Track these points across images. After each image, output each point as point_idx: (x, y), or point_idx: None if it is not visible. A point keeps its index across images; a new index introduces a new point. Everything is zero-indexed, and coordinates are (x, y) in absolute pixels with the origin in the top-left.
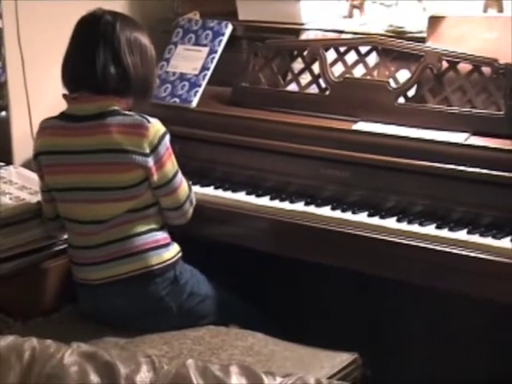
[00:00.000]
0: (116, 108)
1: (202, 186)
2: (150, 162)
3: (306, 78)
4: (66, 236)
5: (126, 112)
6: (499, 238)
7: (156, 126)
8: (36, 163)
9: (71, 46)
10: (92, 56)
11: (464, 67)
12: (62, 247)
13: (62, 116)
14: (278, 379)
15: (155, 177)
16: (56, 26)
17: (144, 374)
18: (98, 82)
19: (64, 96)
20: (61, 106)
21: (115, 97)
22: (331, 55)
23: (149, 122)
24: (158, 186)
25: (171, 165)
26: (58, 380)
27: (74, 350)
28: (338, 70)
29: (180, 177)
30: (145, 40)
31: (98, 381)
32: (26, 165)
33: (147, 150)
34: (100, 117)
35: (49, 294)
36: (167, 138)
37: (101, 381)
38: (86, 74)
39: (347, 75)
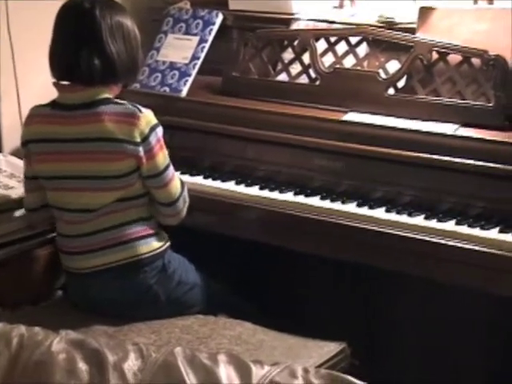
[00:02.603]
0: (108, 96)
1: (192, 175)
2: (141, 151)
3: (296, 68)
4: (49, 227)
5: (118, 101)
6: (487, 229)
7: (148, 117)
8: (25, 150)
9: (54, 38)
10: (75, 49)
11: (454, 58)
12: (51, 235)
13: (53, 104)
14: (266, 368)
15: (145, 167)
16: (46, 14)
17: (132, 362)
18: (83, 75)
19: (55, 84)
20: (50, 94)
21: (104, 85)
22: (321, 45)
23: (140, 111)
24: (149, 176)
25: (163, 157)
26: (45, 367)
27: (63, 337)
28: (328, 60)
29: (172, 171)
30: (126, 22)
31: (86, 368)
32: (15, 153)
33: (138, 139)
34: (92, 105)
35: (38, 283)
36: (159, 130)
37: (89, 368)
38: (72, 67)
39: (337, 65)
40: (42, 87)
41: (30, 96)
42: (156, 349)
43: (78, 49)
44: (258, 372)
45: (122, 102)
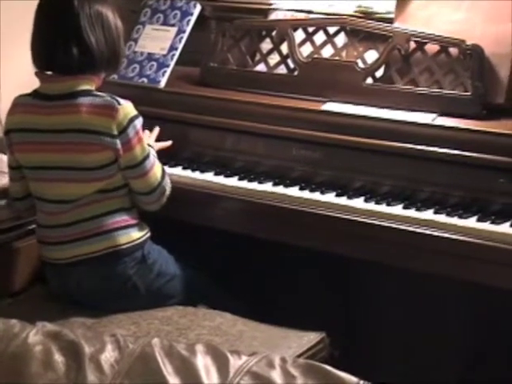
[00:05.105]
0: (88, 88)
1: (171, 166)
2: (118, 143)
3: (274, 59)
4: (35, 216)
5: (98, 93)
6: (465, 218)
7: (126, 109)
8: (6, 140)
9: (35, 26)
10: (53, 38)
11: (432, 48)
12: (32, 227)
13: (35, 94)
14: (244, 358)
15: (123, 158)
16: (31, 3)
17: (109, 354)
18: (61, 63)
19: (36, 74)
20: (32, 84)
21: (85, 75)
22: (300, 35)
23: (119, 103)
24: (126, 167)
25: (140, 149)
26: (22, 359)
27: (39, 329)
28: (307, 50)
29: (151, 162)
30: (106, 11)
31: (63, 360)
32: None
33: (115, 132)
34: (71, 96)
35: (19, 275)
36: (138, 121)
37: (65, 360)
38: (50, 56)
39: (315, 56)
40: (23, 76)
41: (11, 86)
42: (133, 340)
43: (57, 37)
44: (235, 362)
45: (102, 94)
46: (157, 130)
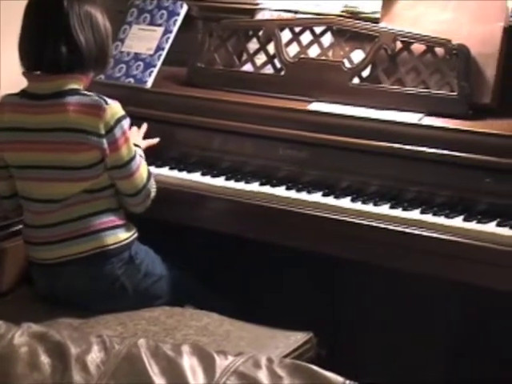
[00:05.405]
0: (75, 87)
1: (157, 166)
2: (105, 143)
3: (261, 59)
4: (22, 216)
5: (85, 92)
6: (452, 218)
7: (114, 109)
8: None
9: (23, 25)
10: (43, 36)
11: (418, 48)
12: (18, 228)
13: (23, 93)
14: (230, 358)
15: (109, 158)
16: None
17: (95, 354)
18: (50, 62)
19: (24, 74)
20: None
21: (73, 74)
22: (286, 35)
23: (107, 103)
24: (112, 167)
25: (127, 149)
26: (7, 360)
27: (25, 330)
28: (293, 50)
29: (137, 163)
30: (96, 12)
31: (49, 361)
32: None
33: (102, 131)
34: (59, 96)
35: (5, 276)
36: (125, 122)
37: (51, 361)
38: (39, 54)
39: (302, 55)
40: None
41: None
42: (120, 341)
43: (46, 36)
44: (221, 362)
45: (89, 93)
46: (145, 126)
